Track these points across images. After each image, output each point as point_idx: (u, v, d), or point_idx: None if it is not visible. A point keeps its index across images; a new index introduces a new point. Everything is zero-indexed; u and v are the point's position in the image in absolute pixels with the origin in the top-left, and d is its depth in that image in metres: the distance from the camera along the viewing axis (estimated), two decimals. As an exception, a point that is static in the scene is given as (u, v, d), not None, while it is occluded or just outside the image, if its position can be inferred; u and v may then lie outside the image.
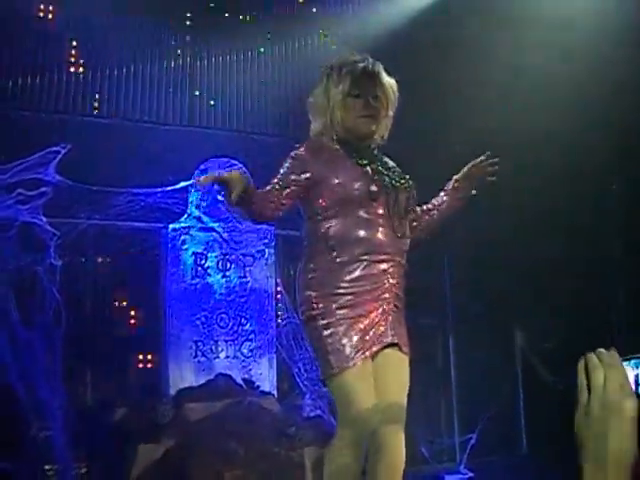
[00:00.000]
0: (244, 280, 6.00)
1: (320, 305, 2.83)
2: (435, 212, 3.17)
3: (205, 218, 5.94)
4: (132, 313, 5.99)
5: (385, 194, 2.88)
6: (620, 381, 1.18)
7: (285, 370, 5.98)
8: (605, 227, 6.10)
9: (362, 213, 2.85)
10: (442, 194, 3.17)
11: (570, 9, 5.72)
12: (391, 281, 2.86)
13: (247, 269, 6.02)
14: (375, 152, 3.04)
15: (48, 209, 5.22)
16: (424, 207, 3.18)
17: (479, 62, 5.94)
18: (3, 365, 4.76)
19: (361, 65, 2.97)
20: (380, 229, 2.86)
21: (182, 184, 5.88)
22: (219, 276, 5.92)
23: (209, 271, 5.89)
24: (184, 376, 5.66)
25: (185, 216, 5.91)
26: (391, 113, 3.05)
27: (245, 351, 5.90)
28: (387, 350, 2.86)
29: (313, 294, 2.86)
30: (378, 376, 2.83)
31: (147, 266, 5.88)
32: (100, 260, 5.98)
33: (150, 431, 5.15)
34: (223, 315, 5.88)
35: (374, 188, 2.85)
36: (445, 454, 6.38)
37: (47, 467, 4.92)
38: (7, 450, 4.60)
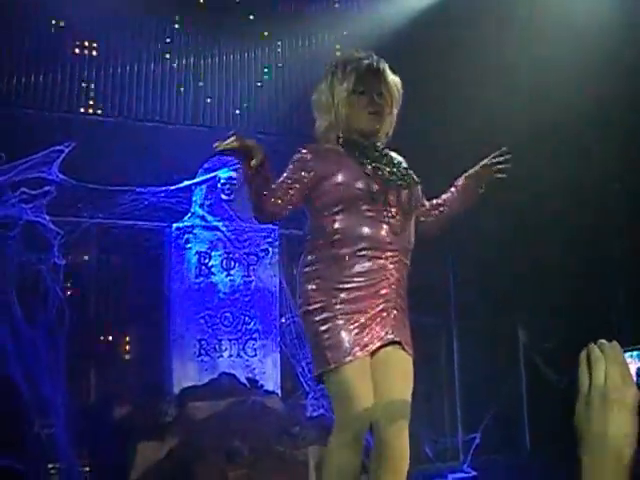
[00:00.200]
0: (248, 279, 6.00)
1: (319, 299, 2.80)
2: (445, 208, 3.13)
3: (209, 217, 5.94)
4: (135, 312, 5.99)
5: (386, 192, 2.86)
6: (621, 373, 1.18)
7: (289, 369, 5.99)
8: (605, 227, 6.09)
9: (365, 211, 2.83)
10: (452, 189, 3.15)
11: (571, 9, 5.72)
12: (392, 278, 2.82)
13: (251, 268, 6.02)
14: (380, 149, 3.03)
15: (52, 208, 5.24)
16: (433, 202, 3.15)
17: (479, 62, 5.93)
18: (6, 362, 4.76)
19: (366, 62, 2.95)
20: (381, 226, 2.83)
21: (186, 183, 5.89)
22: (223, 275, 5.93)
23: (213, 270, 5.90)
24: (188, 375, 5.66)
25: (189, 215, 5.91)
26: (395, 111, 3.04)
27: (249, 350, 5.91)
28: (388, 348, 2.81)
29: (312, 288, 2.84)
30: (380, 374, 2.79)
31: (151, 265, 5.88)
32: (104, 259, 5.99)
33: (154, 429, 5.15)
34: (227, 314, 5.89)
35: (375, 187, 2.84)
36: (449, 453, 6.37)
37: (50, 465, 4.93)
38: (10, 447, 4.61)
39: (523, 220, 6.09)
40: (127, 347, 6.03)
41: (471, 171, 3.13)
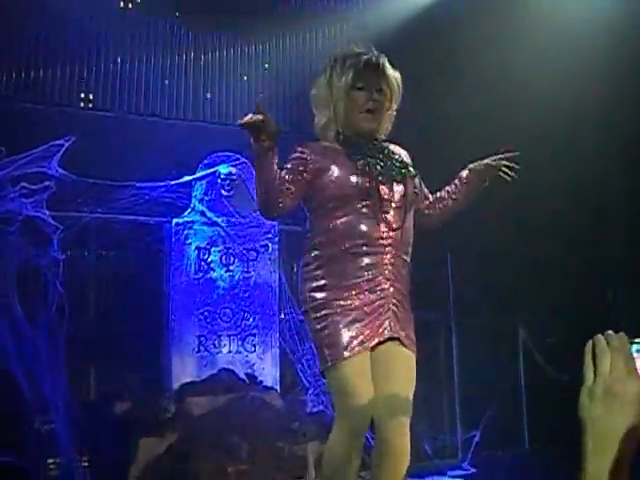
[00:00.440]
0: (247, 275, 6.00)
1: (318, 297, 2.81)
2: (449, 201, 3.12)
3: (209, 213, 5.93)
4: (135, 307, 5.98)
5: (378, 187, 2.84)
6: (626, 365, 1.17)
7: (288, 365, 5.98)
8: (605, 227, 6.09)
9: (359, 207, 2.82)
10: (456, 182, 3.14)
11: (573, 9, 5.71)
12: (389, 274, 2.82)
13: (251, 264, 6.02)
14: (377, 143, 3.01)
15: (52, 203, 5.22)
16: (437, 195, 3.15)
17: (479, 62, 5.93)
18: (6, 358, 4.76)
19: (365, 57, 2.92)
20: (377, 222, 2.82)
21: (186, 178, 5.88)
22: (222, 271, 5.92)
23: (212, 265, 5.89)
24: (187, 370, 5.66)
25: (189, 210, 5.90)
26: (395, 106, 3.02)
27: (248, 346, 5.90)
28: (389, 344, 2.81)
29: (311, 286, 2.84)
30: (380, 370, 2.79)
31: (151, 260, 5.87)
32: (103, 254, 5.98)
33: (153, 425, 5.14)
34: (226, 310, 5.88)
35: (367, 183, 2.83)
36: (448, 450, 6.36)
37: (50, 461, 4.92)
38: (10, 443, 4.60)
39: (523, 219, 6.09)
40: (126, 342, 6.01)
41: (476, 165, 3.11)
